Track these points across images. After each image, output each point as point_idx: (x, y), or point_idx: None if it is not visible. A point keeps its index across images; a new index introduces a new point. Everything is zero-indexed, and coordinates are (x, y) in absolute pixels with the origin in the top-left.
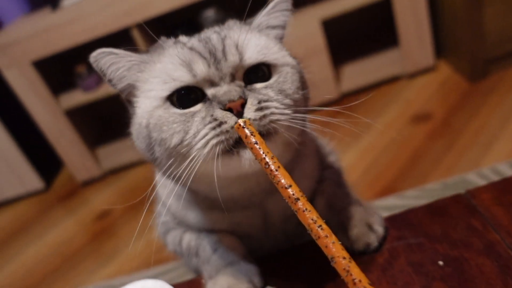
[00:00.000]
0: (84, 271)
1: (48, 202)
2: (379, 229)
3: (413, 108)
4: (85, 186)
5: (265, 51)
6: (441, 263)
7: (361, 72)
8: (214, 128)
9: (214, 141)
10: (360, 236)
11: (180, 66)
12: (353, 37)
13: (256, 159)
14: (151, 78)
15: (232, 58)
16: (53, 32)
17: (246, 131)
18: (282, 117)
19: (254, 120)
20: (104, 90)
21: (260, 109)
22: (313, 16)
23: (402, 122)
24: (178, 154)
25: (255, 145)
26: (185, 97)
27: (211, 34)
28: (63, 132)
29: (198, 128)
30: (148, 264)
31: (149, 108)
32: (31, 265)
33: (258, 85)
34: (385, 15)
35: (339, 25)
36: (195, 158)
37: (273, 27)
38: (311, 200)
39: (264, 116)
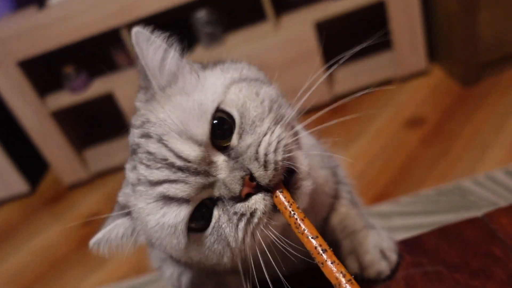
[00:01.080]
0: (72, 279)
1: (33, 206)
2: (393, 256)
3: (406, 113)
4: (72, 189)
5: (204, 107)
6: None
7: (354, 75)
8: (249, 220)
9: (260, 226)
10: (372, 263)
11: (164, 208)
12: (346, 40)
13: (279, 209)
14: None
15: (190, 151)
16: (40, 32)
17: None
18: (281, 148)
19: (268, 176)
20: (92, 91)
21: (265, 165)
22: (306, 19)
23: (395, 126)
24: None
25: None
26: (192, 218)
27: (146, 145)
28: (49, 134)
29: (236, 234)
30: (138, 271)
31: (178, 250)
32: (15, 272)
33: (233, 140)
34: (379, 18)
35: (332, 28)
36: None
37: (164, 61)
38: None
39: (276, 162)
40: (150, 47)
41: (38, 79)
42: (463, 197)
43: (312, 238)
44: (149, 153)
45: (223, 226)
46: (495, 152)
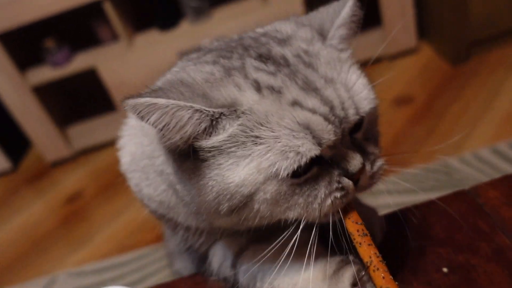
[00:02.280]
0: (55, 257)
1: (16, 183)
2: (379, 234)
3: (394, 91)
4: (55, 166)
5: (372, 97)
6: (445, 270)
7: None
8: (341, 198)
9: (338, 207)
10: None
11: (301, 134)
12: None
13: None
14: (254, 144)
15: (353, 117)
16: (19, 3)
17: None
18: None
19: (365, 184)
20: (74, 66)
21: (372, 176)
22: None
23: (383, 104)
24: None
25: (354, 224)
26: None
27: (308, 73)
28: (30, 110)
29: (324, 197)
30: (122, 249)
31: (257, 179)
32: None
33: (360, 137)
34: None
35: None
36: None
37: (346, 39)
38: None
39: (373, 182)
40: None
41: (18, 53)
42: (449, 176)
43: (357, 223)
44: (307, 79)
45: (320, 184)
46: (482, 130)
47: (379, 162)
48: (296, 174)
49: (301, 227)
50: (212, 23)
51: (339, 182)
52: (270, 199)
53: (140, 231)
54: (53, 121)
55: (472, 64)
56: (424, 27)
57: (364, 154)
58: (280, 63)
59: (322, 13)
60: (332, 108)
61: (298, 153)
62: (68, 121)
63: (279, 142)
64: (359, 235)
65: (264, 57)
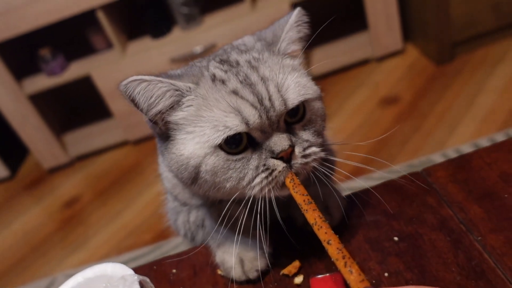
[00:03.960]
0: (53, 260)
1: (14, 190)
2: (336, 214)
3: (381, 91)
4: (52, 173)
5: (303, 91)
6: (396, 239)
7: (330, 55)
8: (266, 177)
9: (266, 188)
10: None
11: (232, 114)
12: (322, 21)
13: (298, 203)
14: (199, 122)
15: (279, 106)
16: (14, 14)
17: (292, 184)
18: (318, 161)
19: (299, 164)
20: (69, 74)
21: (304, 156)
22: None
23: (370, 105)
24: (226, 190)
25: (301, 196)
26: (232, 139)
27: (249, 73)
28: (27, 118)
29: (253, 175)
30: (118, 251)
31: (199, 153)
32: None
33: (297, 127)
34: None
35: (309, 8)
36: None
37: (295, 41)
38: None
39: (307, 163)
40: None
41: (14, 62)
42: None
43: (303, 194)
44: (247, 77)
45: (250, 167)
46: (465, 127)
47: (313, 148)
48: (231, 151)
49: (232, 199)
50: (203, 29)
51: (264, 165)
52: (210, 170)
53: (136, 233)
54: (49, 129)
55: (455, 64)
56: (409, 29)
57: (297, 139)
58: (232, 65)
59: (277, 24)
60: (260, 99)
61: (226, 126)
62: (64, 128)
63: (215, 120)
64: (305, 203)
65: (223, 61)
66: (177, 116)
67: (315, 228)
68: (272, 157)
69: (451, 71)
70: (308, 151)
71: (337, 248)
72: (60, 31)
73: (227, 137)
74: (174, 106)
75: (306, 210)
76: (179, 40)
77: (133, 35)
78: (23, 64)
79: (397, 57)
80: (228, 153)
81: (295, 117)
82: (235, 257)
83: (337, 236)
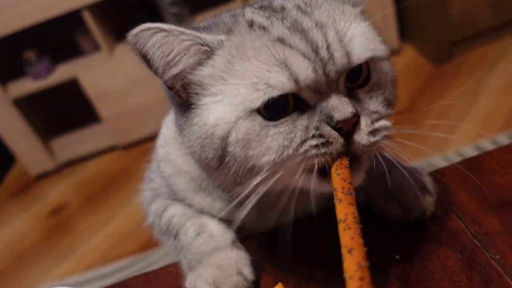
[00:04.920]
0: (39, 270)
1: (0, 198)
2: (434, 191)
3: None
4: (39, 180)
5: (372, 45)
6: (398, 257)
7: None
8: (318, 147)
9: (315, 160)
10: (416, 202)
11: (276, 67)
12: None
13: (334, 187)
14: (231, 78)
15: (340, 59)
16: None
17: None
18: (389, 142)
19: (363, 145)
20: (56, 77)
21: (372, 132)
22: None
23: None
24: (261, 170)
25: (341, 180)
26: (274, 103)
27: (299, 17)
28: (12, 123)
29: (301, 139)
30: (105, 260)
31: (230, 118)
32: None
33: (361, 93)
34: None
35: None
36: (286, 174)
37: None
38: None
39: (375, 143)
40: None
41: None
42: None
43: (345, 180)
44: (297, 22)
45: (297, 128)
46: (465, 128)
47: (383, 122)
48: (273, 116)
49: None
50: None
51: (317, 129)
52: (242, 139)
53: (123, 241)
54: (36, 134)
55: (454, 63)
56: (406, 29)
57: (362, 109)
58: (276, 10)
59: None
60: (315, 48)
61: (269, 85)
62: (51, 133)
63: (253, 76)
64: (342, 193)
65: (264, 7)
66: (201, 72)
67: (340, 227)
68: (330, 125)
69: (449, 71)
70: (377, 125)
71: (358, 264)
72: (45, 33)
73: (269, 99)
74: (201, 60)
75: (340, 200)
76: None
77: (122, 37)
78: (7, 68)
79: (393, 57)
80: (268, 119)
81: (356, 81)
82: (210, 285)
83: (366, 248)
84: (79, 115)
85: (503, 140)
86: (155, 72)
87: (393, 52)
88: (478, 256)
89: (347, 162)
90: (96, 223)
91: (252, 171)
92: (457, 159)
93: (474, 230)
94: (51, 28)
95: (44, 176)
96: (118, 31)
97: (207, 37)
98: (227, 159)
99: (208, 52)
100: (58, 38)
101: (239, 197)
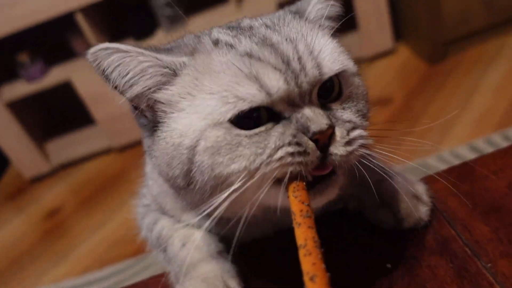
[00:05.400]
0: (34, 273)
1: None
2: (428, 200)
3: (373, 92)
4: (34, 182)
5: (340, 58)
6: (389, 265)
7: None
8: (294, 155)
9: (290, 168)
10: (410, 211)
11: (246, 80)
12: None
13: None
14: (199, 93)
15: (312, 70)
16: None
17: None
18: (365, 150)
19: (340, 155)
20: (49, 80)
21: (348, 142)
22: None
23: None
24: (227, 183)
25: (299, 203)
26: (247, 117)
27: (268, 34)
28: (6, 126)
29: (276, 145)
30: (101, 263)
31: (198, 126)
32: None
33: (335, 106)
34: None
35: None
36: (253, 186)
37: (328, 19)
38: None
39: (351, 153)
40: None
41: None
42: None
43: (303, 203)
44: (265, 38)
45: (272, 135)
46: (460, 128)
47: (358, 131)
48: (245, 126)
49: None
50: (187, 31)
51: (294, 136)
52: (211, 147)
53: (119, 244)
54: (30, 137)
55: (448, 63)
56: (400, 29)
57: (335, 118)
58: (244, 29)
59: (300, 1)
60: (286, 60)
61: (238, 97)
62: (45, 136)
63: (222, 90)
64: (301, 216)
65: (232, 27)
66: (167, 91)
67: (300, 253)
68: (304, 135)
69: (444, 71)
70: (352, 134)
71: None
72: (39, 35)
73: (239, 112)
74: (165, 81)
75: (299, 224)
76: (163, 42)
77: (115, 38)
78: (0, 70)
79: (388, 57)
80: (242, 127)
81: (330, 95)
82: None
83: (329, 274)
84: (74, 117)
85: (498, 139)
86: (116, 89)
87: (388, 52)
88: (469, 265)
89: (304, 184)
90: (91, 226)
91: (218, 185)
92: (452, 159)
93: (465, 238)
94: (44, 31)
95: (39, 179)
96: (112, 33)
97: (168, 59)
98: (193, 172)
99: (169, 74)
100: (51, 41)
101: (205, 211)
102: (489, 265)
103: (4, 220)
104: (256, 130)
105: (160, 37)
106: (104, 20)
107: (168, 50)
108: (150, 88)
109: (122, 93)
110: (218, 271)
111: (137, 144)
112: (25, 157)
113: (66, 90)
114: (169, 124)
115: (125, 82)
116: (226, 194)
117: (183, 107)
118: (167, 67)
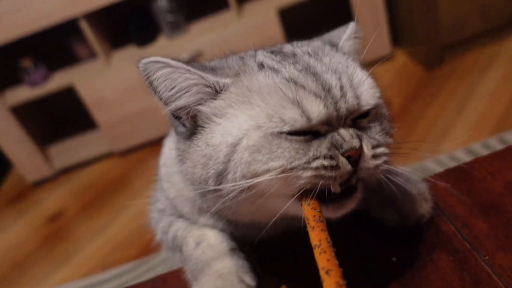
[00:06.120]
0: (37, 277)
1: None
2: (430, 198)
3: None
4: (36, 186)
5: (377, 94)
6: (394, 259)
7: None
8: (327, 168)
9: (321, 181)
10: (414, 208)
11: (289, 104)
12: (309, 27)
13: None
14: (244, 104)
15: (351, 99)
16: None
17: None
18: (389, 165)
19: (368, 169)
20: (52, 85)
21: (374, 156)
22: (269, 6)
23: None
24: (255, 190)
25: (311, 210)
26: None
27: (311, 62)
28: (9, 130)
29: (314, 154)
30: (103, 266)
31: (243, 126)
32: None
33: (363, 122)
34: (342, 4)
35: (295, 14)
36: (286, 188)
37: (356, 53)
38: None
39: (377, 166)
40: None
41: None
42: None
43: (315, 209)
44: (309, 66)
45: (311, 145)
46: (457, 133)
47: (382, 148)
48: (287, 132)
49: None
50: (188, 37)
51: (329, 149)
52: (252, 145)
53: (122, 247)
54: (33, 141)
55: (445, 68)
56: (398, 34)
57: (364, 134)
58: (287, 56)
59: (330, 34)
60: (327, 88)
61: (282, 120)
62: (48, 141)
63: (269, 108)
64: (314, 220)
65: (275, 51)
66: (212, 104)
67: (316, 252)
68: (337, 151)
69: (441, 76)
70: (378, 151)
71: (336, 283)
72: (42, 41)
73: (279, 132)
74: (209, 97)
75: (313, 228)
76: (165, 48)
77: (118, 44)
78: (4, 76)
79: (386, 62)
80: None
81: (362, 118)
82: None
83: (342, 269)
84: (76, 122)
85: (494, 143)
86: (160, 100)
87: (386, 58)
88: (468, 258)
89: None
90: (93, 229)
91: (244, 190)
92: (449, 162)
93: (465, 233)
94: (47, 36)
95: (41, 183)
96: (114, 39)
97: (212, 79)
98: (227, 172)
99: (211, 93)
100: (54, 46)
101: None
102: (487, 258)
103: (7, 223)
104: (297, 138)
105: (162, 43)
106: (107, 26)
107: (213, 69)
108: (192, 103)
109: (165, 104)
110: (232, 268)
111: (139, 148)
112: (28, 161)
113: (68, 95)
114: (211, 128)
115: (170, 96)
116: (252, 182)
117: (227, 114)
118: (210, 86)
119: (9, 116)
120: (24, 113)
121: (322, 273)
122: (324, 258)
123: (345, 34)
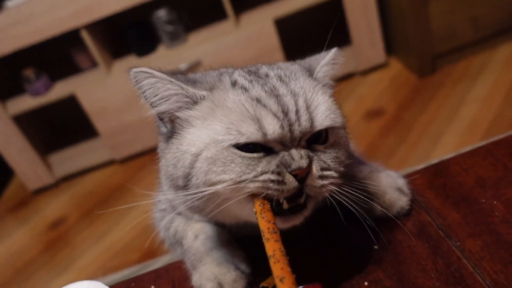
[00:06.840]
0: (38, 283)
1: None
2: (409, 191)
3: (366, 104)
4: (37, 194)
5: (332, 116)
6: (376, 247)
7: None
8: (273, 181)
9: (268, 192)
10: (393, 201)
11: (249, 119)
12: (305, 36)
13: (261, 229)
14: (212, 119)
15: (305, 123)
16: None
17: (260, 208)
18: (336, 188)
19: (314, 187)
20: (54, 94)
21: (321, 177)
22: (266, 16)
23: (355, 118)
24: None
25: (266, 222)
26: (243, 146)
27: (278, 85)
28: (11, 139)
29: (262, 170)
30: (105, 272)
31: (204, 139)
32: None
33: (318, 147)
34: (337, 14)
35: (292, 24)
36: (237, 193)
37: (331, 78)
38: None
39: (323, 186)
40: None
41: None
42: None
43: (269, 222)
44: (275, 88)
45: (261, 161)
46: (449, 138)
47: (331, 172)
48: (242, 148)
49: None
50: (187, 47)
51: (277, 166)
52: (210, 157)
53: (123, 253)
54: (34, 149)
55: (437, 76)
56: (392, 43)
57: (315, 156)
58: (260, 76)
59: (312, 58)
60: (286, 110)
61: (240, 132)
62: (49, 149)
63: (229, 122)
64: (268, 232)
65: (251, 72)
66: (187, 113)
67: (271, 261)
68: (287, 171)
69: (433, 83)
70: (325, 173)
71: None
72: (44, 51)
73: (236, 143)
74: (185, 106)
75: (268, 239)
76: (164, 58)
77: (118, 54)
78: (6, 85)
79: (380, 71)
80: (240, 149)
81: (316, 141)
82: (212, 281)
83: (295, 276)
84: (77, 130)
85: None
86: (147, 103)
87: (380, 66)
88: (441, 244)
89: (269, 205)
90: (94, 236)
91: (209, 183)
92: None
93: (439, 223)
94: (49, 46)
95: (43, 190)
96: (115, 49)
97: (191, 90)
98: (191, 176)
99: (189, 103)
100: (56, 56)
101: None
102: (458, 244)
103: (8, 231)
104: (249, 155)
105: (161, 53)
106: (107, 36)
107: (193, 82)
108: (172, 109)
109: (151, 106)
110: (229, 257)
111: (139, 156)
112: (29, 169)
113: (69, 104)
114: (183, 135)
115: (154, 101)
116: (206, 193)
117: (196, 125)
118: (189, 97)
119: (11, 125)
120: (26, 122)
121: (276, 281)
122: (278, 267)
123: (325, 59)
